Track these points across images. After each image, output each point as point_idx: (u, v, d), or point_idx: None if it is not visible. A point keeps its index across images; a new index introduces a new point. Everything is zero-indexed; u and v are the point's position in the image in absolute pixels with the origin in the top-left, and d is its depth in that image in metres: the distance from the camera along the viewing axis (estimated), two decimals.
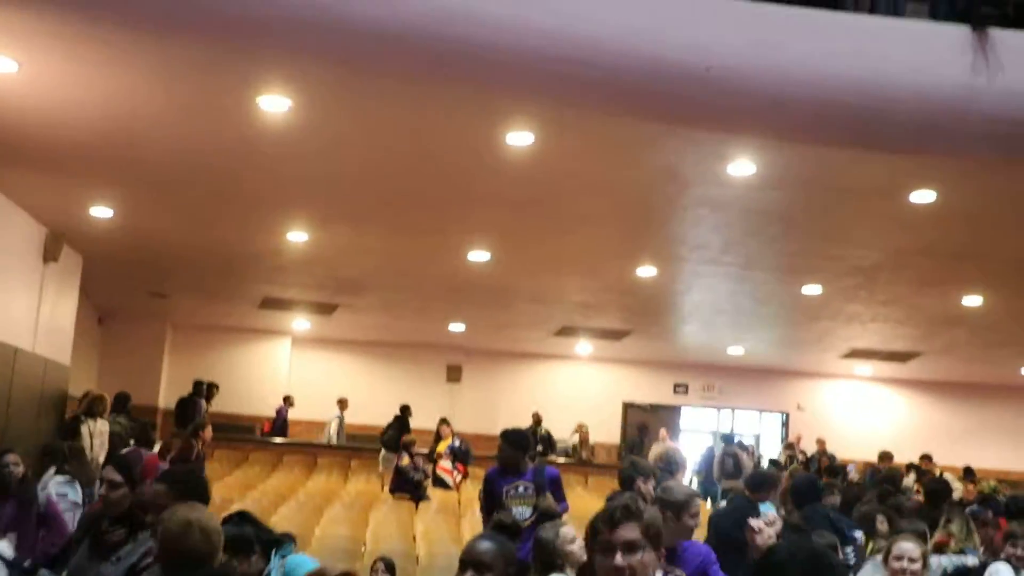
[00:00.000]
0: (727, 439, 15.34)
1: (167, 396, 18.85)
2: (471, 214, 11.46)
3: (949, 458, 17.27)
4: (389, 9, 7.53)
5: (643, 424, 20.18)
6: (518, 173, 9.80)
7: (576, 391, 20.59)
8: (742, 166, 9.37)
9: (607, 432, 20.51)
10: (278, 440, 17.59)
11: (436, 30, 7.67)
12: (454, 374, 20.58)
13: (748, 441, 19.04)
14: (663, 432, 17.82)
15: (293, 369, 20.12)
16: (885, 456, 14.96)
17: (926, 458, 15.43)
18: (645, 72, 8.12)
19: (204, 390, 17.86)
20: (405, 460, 13.71)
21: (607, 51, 8.00)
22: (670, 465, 11.66)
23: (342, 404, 18.09)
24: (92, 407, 12.11)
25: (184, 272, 14.91)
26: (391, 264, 13.74)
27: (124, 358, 18.19)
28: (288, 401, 18.63)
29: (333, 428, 17.94)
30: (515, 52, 7.85)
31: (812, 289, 13.54)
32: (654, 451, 15.57)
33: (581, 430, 18.74)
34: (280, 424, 18.38)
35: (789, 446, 17.82)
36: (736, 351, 18.88)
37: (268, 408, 18.97)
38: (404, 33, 7.60)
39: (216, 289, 16.13)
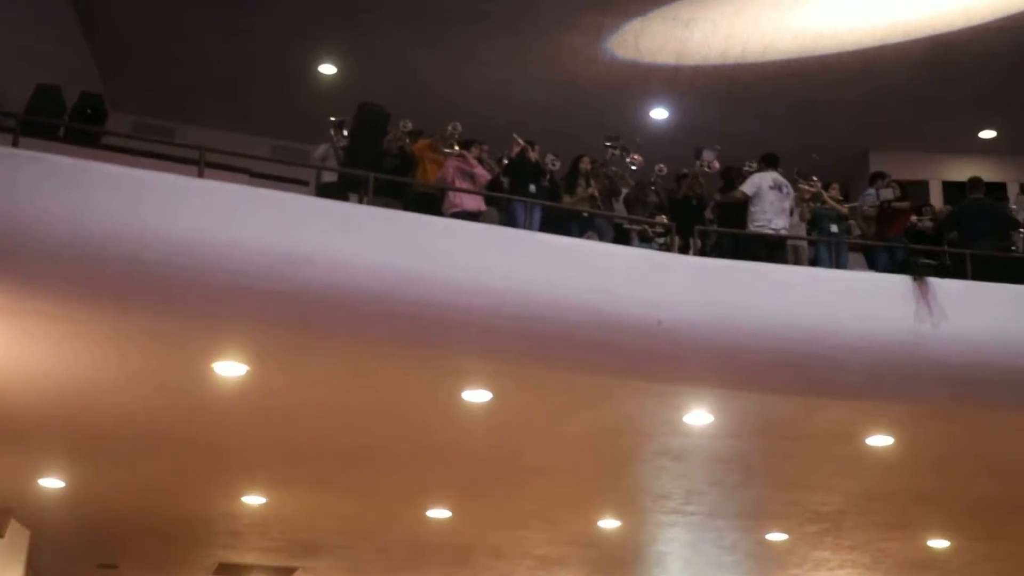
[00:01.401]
0: None
1: None
2: (430, 471, 11.33)
3: None
4: (344, 275, 7.69)
5: None
6: (476, 429, 9.77)
7: None
8: (699, 416, 9.41)
9: None
10: None
11: (391, 294, 7.82)
12: None
13: None
14: None
15: None
16: None
17: None
18: (599, 329, 8.28)
19: None
20: None
21: (559, 309, 8.18)
22: None
23: None
24: None
25: (136, 541, 14.49)
26: (351, 525, 13.46)
27: None
28: None
29: None
30: (468, 313, 8.00)
31: (777, 536, 13.37)
32: None
33: None
34: None
35: None
36: None
37: None
38: (359, 298, 7.75)
39: (170, 557, 15.64)
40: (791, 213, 10.42)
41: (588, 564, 15.74)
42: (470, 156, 10.23)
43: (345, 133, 10.73)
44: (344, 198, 9.36)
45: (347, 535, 14.01)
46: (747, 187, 10.37)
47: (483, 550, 14.78)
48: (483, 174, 10.25)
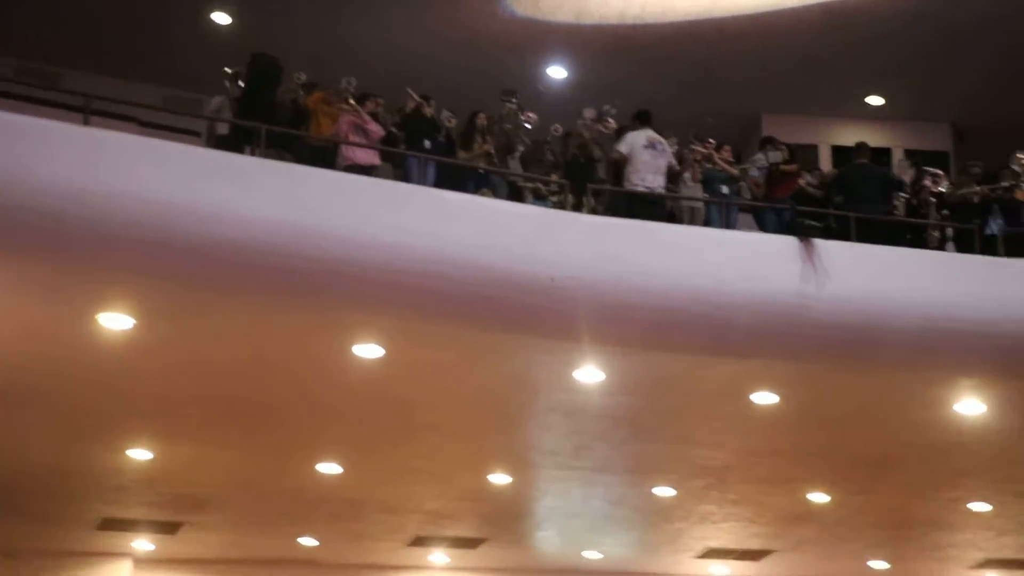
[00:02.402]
0: None
1: None
2: (320, 426, 11.28)
3: None
4: (233, 228, 7.59)
5: None
6: (367, 384, 9.76)
7: None
8: (590, 373, 9.51)
9: None
10: None
11: (282, 247, 7.74)
12: None
13: None
14: None
15: None
16: None
17: None
18: (490, 284, 8.31)
19: None
20: None
21: (452, 264, 8.19)
22: None
23: None
24: None
25: (16, 496, 14.14)
26: (239, 480, 13.33)
27: None
28: None
29: None
30: (361, 267, 7.97)
31: (664, 490, 13.62)
32: None
33: None
34: None
35: None
36: (593, 555, 18.72)
37: None
38: (249, 251, 7.65)
39: (51, 512, 15.32)
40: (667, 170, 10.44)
41: (479, 519, 15.86)
42: (364, 112, 10.14)
43: (241, 84, 10.54)
44: (239, 151, 9.21)
45: (235, 490, 13.88)
46: (621, 147, 10.38)
47: (374, 505, 14.79)
48: (377, 130, 10.18)
